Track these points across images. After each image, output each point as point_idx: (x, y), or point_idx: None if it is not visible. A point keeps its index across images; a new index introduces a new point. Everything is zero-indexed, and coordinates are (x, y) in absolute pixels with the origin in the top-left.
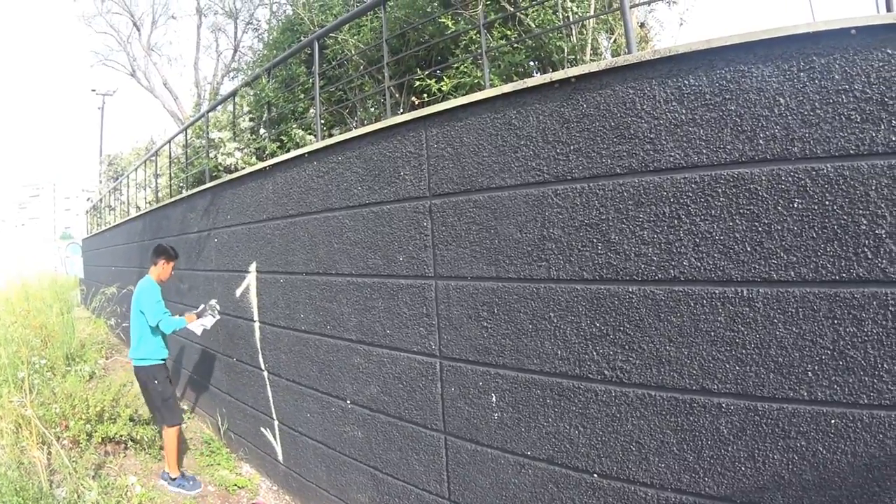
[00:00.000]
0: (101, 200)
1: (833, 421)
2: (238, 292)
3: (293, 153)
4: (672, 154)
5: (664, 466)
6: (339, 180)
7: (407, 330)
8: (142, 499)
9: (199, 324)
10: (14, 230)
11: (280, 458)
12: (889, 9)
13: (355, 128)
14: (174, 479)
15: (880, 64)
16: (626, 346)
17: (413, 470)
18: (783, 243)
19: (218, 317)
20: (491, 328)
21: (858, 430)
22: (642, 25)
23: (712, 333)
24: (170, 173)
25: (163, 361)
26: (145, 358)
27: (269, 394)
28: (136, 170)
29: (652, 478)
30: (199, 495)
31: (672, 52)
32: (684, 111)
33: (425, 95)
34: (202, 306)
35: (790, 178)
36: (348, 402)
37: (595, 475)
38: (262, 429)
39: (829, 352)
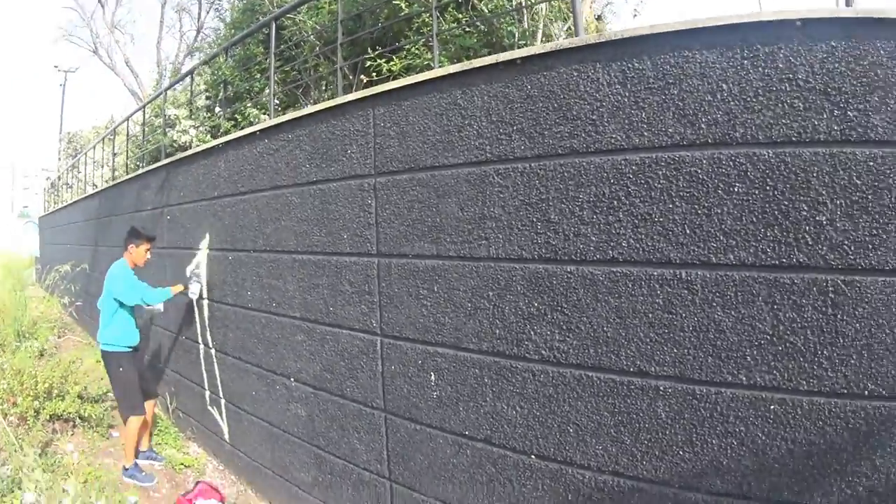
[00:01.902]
0: (59, 178)
1: (773, 407)
2: (188, 270)
3: (246, 130)
4: (614, 136)
5: (601, 448)
6: (289, 158)
7: (350, 307)
8: (87, 476)
9: (190, 292)
10: None
11: (226, 437)
12: (848, 3)
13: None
14: (126, 469)
15: (824, 55)
16: (564, 327)
17: (354, 449)
18: (722, 227)
19: (203, 282)
20: (431, 306)
21: (798, 417)
22: (599, 18)
23: (650, 315)
24: (127, 151)
25: (130, 349)
26: (111, 343)
27: (217, 371)
28: (94, 147)
29: (589, 460)
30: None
31: (617, 37)
32: (627, 94)
33: (374, 75)
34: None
35: (731, 163)
36: (292, 380)
37: (533, 456)
38: (210, 407)
39: (768, 337)
